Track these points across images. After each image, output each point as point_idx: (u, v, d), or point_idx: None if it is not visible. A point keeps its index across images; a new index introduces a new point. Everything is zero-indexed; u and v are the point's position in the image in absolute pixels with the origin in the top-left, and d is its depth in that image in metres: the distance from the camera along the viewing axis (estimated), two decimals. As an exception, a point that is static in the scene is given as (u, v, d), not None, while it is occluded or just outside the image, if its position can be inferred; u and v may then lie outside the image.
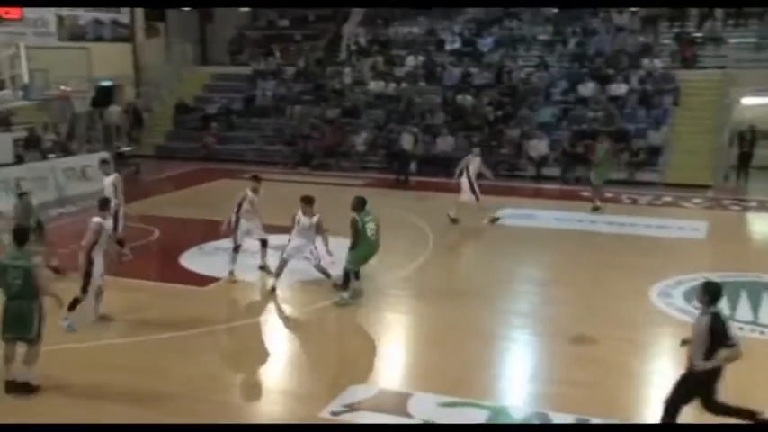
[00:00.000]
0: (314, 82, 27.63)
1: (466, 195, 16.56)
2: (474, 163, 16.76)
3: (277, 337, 10.82)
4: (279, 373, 9.55)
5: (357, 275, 11.76)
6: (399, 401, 8.30)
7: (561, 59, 25.91)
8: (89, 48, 19.41)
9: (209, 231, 15.72)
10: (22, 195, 13.10)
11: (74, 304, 10.18)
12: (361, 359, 9.79)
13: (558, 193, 17.95)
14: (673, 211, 18.41)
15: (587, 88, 24.24)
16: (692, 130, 22.48)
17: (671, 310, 11.22)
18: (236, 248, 12.62)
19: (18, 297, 8.35)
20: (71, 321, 10.15)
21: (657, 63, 24.56)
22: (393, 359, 9.97)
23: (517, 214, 17.60)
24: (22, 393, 8.39)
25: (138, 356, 9.55)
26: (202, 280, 12.68)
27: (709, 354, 6.91)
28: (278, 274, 12.00)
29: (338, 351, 10.11)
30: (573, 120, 23.64)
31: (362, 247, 11.46)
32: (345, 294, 11.46)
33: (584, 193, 19.04)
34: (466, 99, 24.89)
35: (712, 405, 7.13)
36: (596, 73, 24.79)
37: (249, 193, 12.62)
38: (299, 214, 11.88)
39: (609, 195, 18.59)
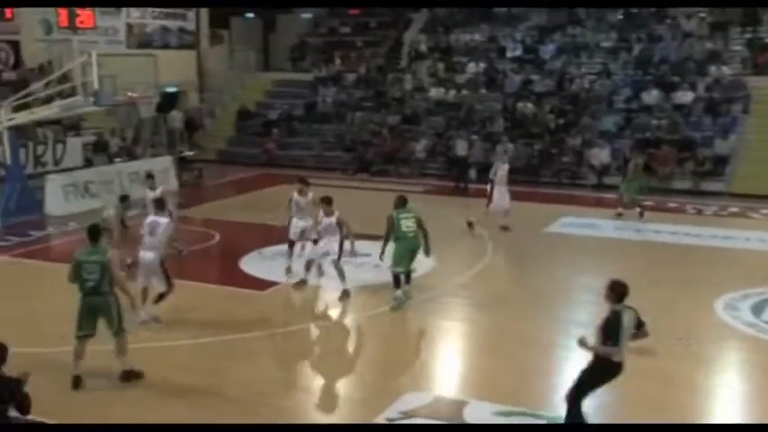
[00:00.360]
0: (374, 88, 27.80)
1: (504, 200, 16.46)
2: (503, 169, 16.68)
3: (334, 342, 10.91)
4: (336, 377, 9.62)
5: (408, 278, 11.82)
6: (455, 409, 8.30)
7: (625, 67, 25.54)
8: (156, 55, 19.96)
9: (268, 236, 15.97)
10: (123, 198, 13.68)
11: (160, 298, 10.63)
12: (417, 365, 9.81)
13: (620, 202, 17.73)
14: (739, 221, 17.97)
15: (651, 96, 23.84)
16: (763, 138, 21.89)
17: (737, 324, 10.95)
18: (290, 244, 13.12)
19: (94, 293, 8.63)
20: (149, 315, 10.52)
21: (726, 70, 24.02)
22: (449, 366, 9.96)
23: (577, 223, 17.41)
24: (129, 380, 8.78)
25: (200, 358, 9.75)
26: (262, 284, 12.86)
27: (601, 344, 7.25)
28: (307, 269, 12.41)
29: (395, 357, 10.14)
30: (636, 128, 23.28)
31: (399, 243, 11.69)
32: (398, 293, 11.60)
33: (647, 203, 18.72)
34: (527, 106, 24.73)
35: (574, 391, 7.46)
36: (661, 80, 24.37)
37: (294, 194, 12.94)
38: (321, 215, 12.22)
39: (673, 205, 18.26)
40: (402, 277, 11.69)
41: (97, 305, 8.68)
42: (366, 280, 12.82)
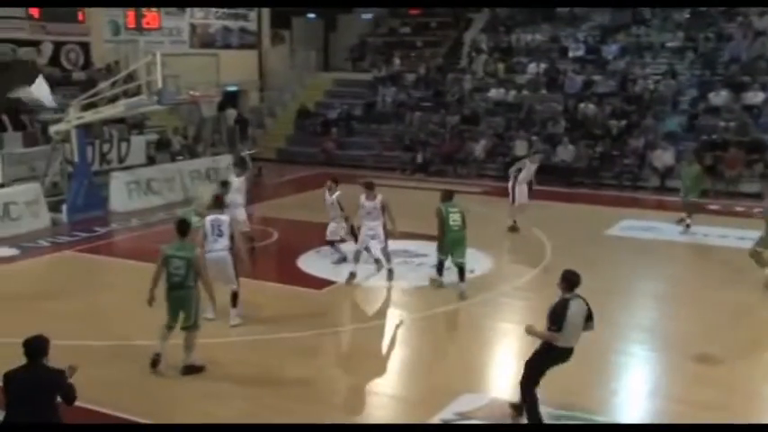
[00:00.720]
0: (434, 88, 27.78)
1: (523, 198, 16.37)
2: (529, 169, 16.48)
3: (390, 342, 10.95)
4: (391, 377, 9.67)
5: (462, 276, 12.10)
6: (511, 411, 8.26)
7: (691, 67, 24.99)
8: (218, 54, 20.35)
9: (325, 235, 16.10)
10: (224, 184, 14.14)
11: (234, 299, 10.78)
12: (474, 367, 9.79)
13: (683, 205, 17.35)
14: (810, 227, 17.38)
15: (719, 97, 23.28)
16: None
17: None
18: (331, 243, 13.75)
19: (179, 287, 8.87)
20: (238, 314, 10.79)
21: (799, 70, 23.32)
22: (506, 368, 9.91)
23: (638, 226, 17.12)
24: (190, 374, 9.03)
25: (255, 354, 9.91)
26: (319, 283, 12.99)
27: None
28: (356, 259, 12.78)
29: (451, 357, 10.14)
30: (702, 130, 22.76)
31: (447, 234, 12.05)
32: (436, 276, 12.39)
33: (712, 207, 18.32)
34: (588, 107, 24.41)
35: (524, 380, 7.83)
36: (730, 80, 23.76)
37: (362, 198, 12.93)
38: (362, 199, 12.56)
39: (740, 209, 17.80)
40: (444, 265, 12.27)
41: (182, 299, 8.91)
42: (423, 280, 12.83)
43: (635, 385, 9.33)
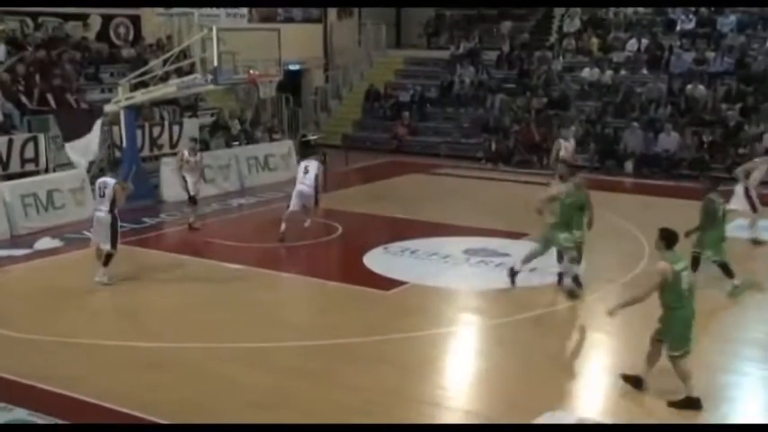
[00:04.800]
0: (518, 68, 27.46)
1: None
2: (566, 147, 16.12)
3: (464, 351, 10.84)
4: (464, 390, 9.56)
5: (696, 265, 11.96)
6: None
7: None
8: (279, 29, 20.42)
9: (396, 230, 16.08)
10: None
11: (107, 259, 12.46)
12: (559, 381, 9.58)
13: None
14: None
15: None
16: None
17: None
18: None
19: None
20: None
21: None
22: (595, 384, 9.70)
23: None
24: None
25: (314, 360, 9.90)
26: (386, 283, 12.94)
27: None
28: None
29: (533, 370, 9.94)
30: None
31: (713, 230, 12.26)
32: (735, 281, 12.29)
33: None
34: (697, 89, 23.76)
35: None
36: None
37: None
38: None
39: None
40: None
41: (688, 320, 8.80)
42: (505, 283, 12.66)
43: (746, 407, 9.00)
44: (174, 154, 19.84)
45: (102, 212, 12.59)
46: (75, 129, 17.99)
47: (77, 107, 19.25)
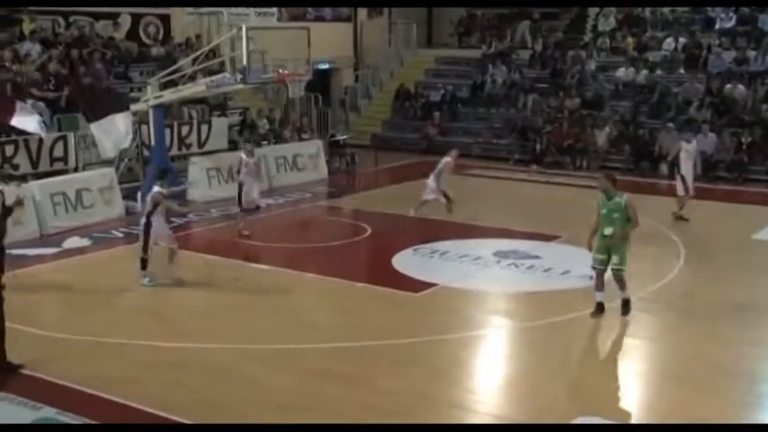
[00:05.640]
0: (551, 67, 27.39)
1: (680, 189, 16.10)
2: (687, 150, 16.00)
3: (494, 355, 10.86)
4: (493, 395, 9.57)
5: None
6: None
7: None
8: (309, 28, 20.58)
9: (425, 231, 16.12)
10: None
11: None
12: (589, 387, 9.58)
13: None
14: None
15: None
16: None
17: None
18: None
19: None
20: None
21: None
22: (627, 391, 9.67)
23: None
24: None
25: (341, 362, 9.97)
26: (416, 285, 12.98)
27: None
28: None
29: (564, 375, 9.94)
30: None
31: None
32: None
33: None
34: (737, 89, 23.56)
35: None
36: None
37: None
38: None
39: None
40: None
41: None
42: (536, 286, 12.67)
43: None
44: (203, 153, 20.08)
45: (143, 217, 12.96)
46: (97, 110, 17.90)
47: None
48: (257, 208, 16.03)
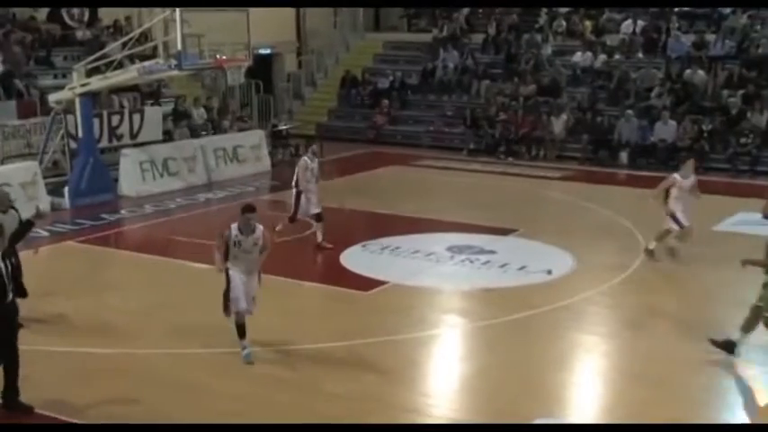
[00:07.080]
0: (505, 52, 27.60)
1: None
2: (680, 186, 14.11)
3: (450, 356, 10.94)
4: (449, 397, 9.66)
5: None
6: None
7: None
8: (248, 11, 20.40)
9: (374, 226, 16.17)
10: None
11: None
12: (549, 387, 9.71)
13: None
14: None
15: None
16: None
17: None
18: None
19: None
20: None
21: None
22: (588, 390, 9.83)
23: (756, 220, 16.68)
24: None
25: (290, 367, 9.98)
26: (366, 283, 13.04)
27: None
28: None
29: (522, 376, 10.06)
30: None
31: None
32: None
33: None
34: (696, 74, 24.00)
35: None
36: None
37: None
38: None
39: None
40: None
41: None
42: (492, 282, 12.80)
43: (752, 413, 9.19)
44: (136, 145, 19.84)
45: None
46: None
47: (28, 95, 19.17)
48: (317, 217, 14.92)
